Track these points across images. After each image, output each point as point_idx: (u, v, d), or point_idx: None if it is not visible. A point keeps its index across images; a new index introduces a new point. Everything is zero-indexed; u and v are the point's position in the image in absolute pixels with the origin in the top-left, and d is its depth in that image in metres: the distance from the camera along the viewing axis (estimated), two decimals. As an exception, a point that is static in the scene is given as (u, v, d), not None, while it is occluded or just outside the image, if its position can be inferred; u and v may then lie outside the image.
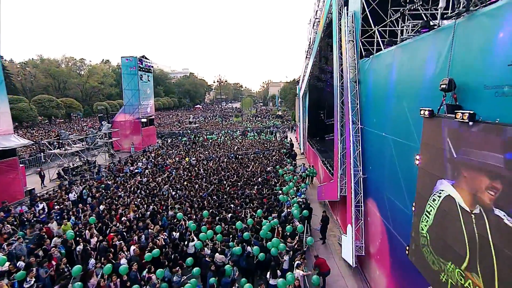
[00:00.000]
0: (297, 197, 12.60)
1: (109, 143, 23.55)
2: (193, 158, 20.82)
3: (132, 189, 13.57)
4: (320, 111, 25.00)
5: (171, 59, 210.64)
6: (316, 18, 18.93)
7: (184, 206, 11.84)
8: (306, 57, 23.00)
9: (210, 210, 11.21)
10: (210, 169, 17.99)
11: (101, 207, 11.22)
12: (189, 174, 16.85)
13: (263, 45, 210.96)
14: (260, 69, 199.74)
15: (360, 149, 9.59)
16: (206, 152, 23.41)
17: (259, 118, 50.68)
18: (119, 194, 12.85)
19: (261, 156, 21.48)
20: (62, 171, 17.29)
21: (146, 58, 27.18)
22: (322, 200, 15.41)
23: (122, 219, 10.20)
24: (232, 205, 11.98)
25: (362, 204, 9.29)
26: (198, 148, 25.32)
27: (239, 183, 14.93)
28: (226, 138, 30.58)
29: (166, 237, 8.86)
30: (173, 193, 13.73)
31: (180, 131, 35.67)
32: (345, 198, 11.26)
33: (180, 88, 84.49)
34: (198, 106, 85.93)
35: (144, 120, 28.06)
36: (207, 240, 8.83)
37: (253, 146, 25.90)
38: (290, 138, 31.60)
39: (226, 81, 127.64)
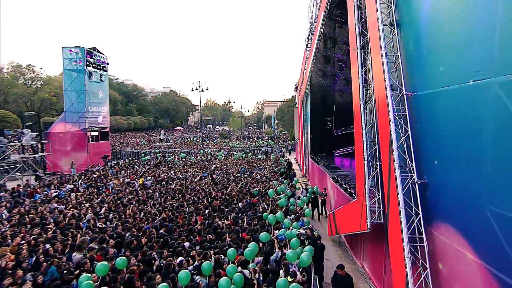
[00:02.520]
0: (298, 228, 8.73)
1: (40, 160, 19.58)
2: (149, 178, 17.06)
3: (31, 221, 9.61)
4: (327, 118, 21.95)
5: (151, 77, 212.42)
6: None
7: (106, 245, 7.89)
8: (307, 47, 20.45)
9: (148, 252, 7.30)
10: (170, 192, 14.27)
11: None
12: (135, 198, 13.01)
13: (257, 62, 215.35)
14: (254, 88, 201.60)
15: (410, 132, 6.10)
16: (172, 172, 19.72)
17: (251, 139, 47.83)
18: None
19: (246, 176, 17.91)
20: None
21: (99, 51, 24.26)
22: (335, 235, 11.55)
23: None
24: (187, 244, 8.08)
25: (425, 236, 5.56)
26: (163, 168, 21.63)
27: (209, 210, 11.11)
28: (204, 158, 27.07)
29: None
30: (99, 224, 9.83)
31: (147, 151, 32.09)
32: (381, 229, 7.60)
33: (157, 106, 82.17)
34: (179, 127, 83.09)
35: (95, 133, 24.44)
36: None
37: (238, 165, 22.45)
38: (288, 158, 28.26)
39: (214, 101, 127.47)
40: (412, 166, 5.95)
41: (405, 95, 6.34)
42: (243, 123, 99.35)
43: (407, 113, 6.25)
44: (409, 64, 6.43)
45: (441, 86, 5.25)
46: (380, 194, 7.92)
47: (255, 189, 14.08)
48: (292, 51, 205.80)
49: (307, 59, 21.25)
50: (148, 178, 17.08)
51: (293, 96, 71.09)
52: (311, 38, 19.55)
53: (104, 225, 9.88)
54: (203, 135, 56.14)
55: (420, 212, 5.67)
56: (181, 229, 9.27)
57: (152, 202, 12.51)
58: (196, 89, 36.20)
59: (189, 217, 10.53)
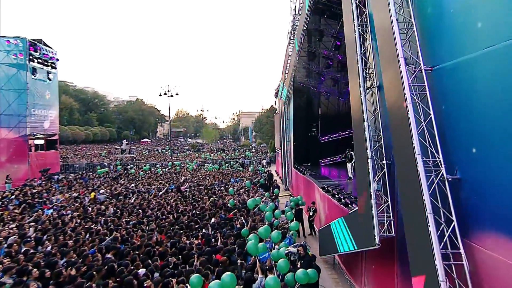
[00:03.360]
0: (287, 246, 7.41)
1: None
2: (102, 192, 15.16)
3: None
4: (312, 123, 21.28)
5: (116, 85, 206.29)
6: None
7: (26, 278, 6.15)
8: (289, 43, 19.76)
9: (84, 285, 5.67)
10: (128, 207, 12.55)
11: None
12: (82, 216, 11.21)
13: (233, 70, 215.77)
14: (230, 99, 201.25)
15: (433, 115, 5.09)
16: (132, 185, 17.89)
17: (226, 151, 46.52)
18: None
19: (221, 188, 16.51)
20: None
21: (46, 44, 22.18)
22: (329, 254, 10.34)
23: None
24: (142, 271, 6.52)
25: (463, 251, 4.44)
26: (122, 181, 19.70)
27: (174, 228, 9.58)
28: (172, 170, 25.34)
29: None
30: (25, 249, 7.99)
31: (105, 163, 29.74)
32: (390, 244, 6.54)
33: (121, 116, 78.92)
34: (145, 140, 79.98)
35: (39, 141, 22.04)
36: None
37: (212, 177, 21.02)
38: (269, 169, 27.15)
39: (187, 112, 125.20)
40: (439, 158, 4.90)
41: (423, 71, 5.37)
42: (218, 135, 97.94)
43: (427, 92, 5.26)
44: (428, 32, 5.52)
45: (479, 49, 4.29)
46: (389, 200, 6.85)
47: (230, 199, 12.70)
48: (271, 57, 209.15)
49: (289, 58, 20.53)
50: (102, 191, 15.16)
51: (272, 106, 71.60)
52: (294, 32, 18.88)
53: (32, 250, 8.04)
54: (173, 148, 54.04)
55: (454, 218, 4.58)
56: (137, 252, 7.66)
57: (103, 220, 10.75)
58: (165, 93, 34.51)
59: (149, 236, 8.93)
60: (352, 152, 14.88)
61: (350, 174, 15.00)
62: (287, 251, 6.87)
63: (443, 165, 4.85)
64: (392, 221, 6.70)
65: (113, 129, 71.04)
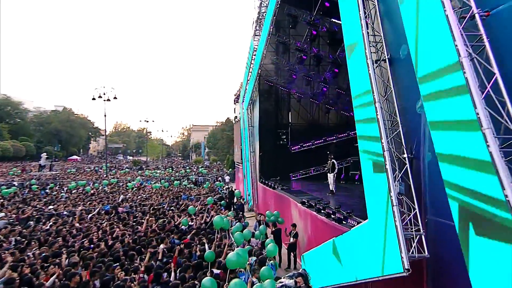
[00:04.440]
0: (272, 277, 5.74)
1: None
2: (2, 215, 12.34)
3: None
4: (281, 130, 20.49)
5: (39, 94, 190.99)
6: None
7: None
8: (255, 35, 18.69)
9: None
10: (40, 235, 10.05)
11: None
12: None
13: (183, 81, 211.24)
14: (178, 112, 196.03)
15: (498, 72, 3.95)
16: (51, 207, 15.13)
17: (175, 169, 44.09)
18: None
19: (171, 208, 14.62)
20: None
21: None
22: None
23: None
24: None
25: None
26: (35, 203, 16.74)
27: (106, 259, 7.47)
28: (107, 189, 22.62)
29: None
30: None
31: (15, 182, 25.84)
32: (419, 269, 5.26)
33: (42, 127, 72.07)
34: (75, 157, 73.64)
35: None
36: None
37: (160, 195, 19.17)
38: (230, 185, 25.68)
39: (126, 126, 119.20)
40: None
41: (478, 17, 4.26)
42: (165, 152, 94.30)
43: (486, 44, 4.13)
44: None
45: None
46: (416, 206, 5.59)
47: (183, 218, 10.89)
48: (227, 62, 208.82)
49: (254, 52, 19.42)
50: (1, 215, 12.30)
51: (227, 118, 70.45)
52: (260, 22, 17.88)
53: None
54: (110, 166, 49.96)
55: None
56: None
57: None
58: (100, 97, 31.37)
59: (69, 273, 6.72)
60: (334, 160, 13.92)
61: (332, 187, 13.97)
62: (280, 284, 5.23)
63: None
64: (423, 236, 5.42)
65: (31, 143, 64.18)
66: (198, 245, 8.80)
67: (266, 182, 18.54)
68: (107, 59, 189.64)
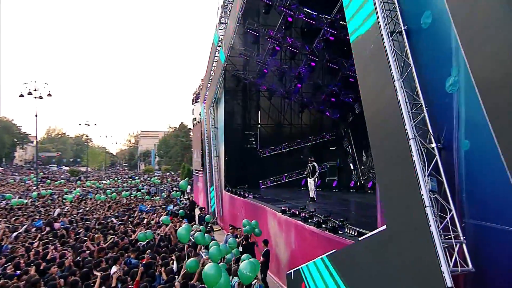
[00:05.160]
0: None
1: None
2: None
3: None
4: (249, 132, 19.98)
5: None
6: None
7: None
8: (220, 21, 17.83)
9: None
10: None
11: None
12: None
13: (130, 82, 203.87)
14: (124, 117, 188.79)
15: None
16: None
17: (122, 179, 42.13)
18: None
19: (122, 222, 13.48)
20: None
21: None
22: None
23: None
24: None
25: None
26: None
27: None
28: (37, 201, 20.61)
29: None
30: None
31: None
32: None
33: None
34: (-5, 168, 67.96)
35: None
36: None
37: (107, 208, 18.04)
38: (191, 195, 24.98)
39: (61, 131, 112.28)
40: None
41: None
42: (108, 161, 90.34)
43: None
44: None
45: None
46: (452, 207, 4.84)
47: (140, 233, 9.70)
48: (183, 60, 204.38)
49: (219, 43, 18.51)
50: None
51: (181, 123, 68.93)
52: (227, 8, 17.03)
53: None
54: (43, 176, 46.28)
55: None
56: None
57: None
58: (30, 93, 28.50)
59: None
60: (315, 163, 13.33)
61: (312, 194, 13.30)
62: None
63: None
64: (464, 245, 4.66)
65: None
66: (161, 265, 7.61)
67: (234, 190, 17.56)
68: (40, 54, 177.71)
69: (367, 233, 6.90)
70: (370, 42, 6.20)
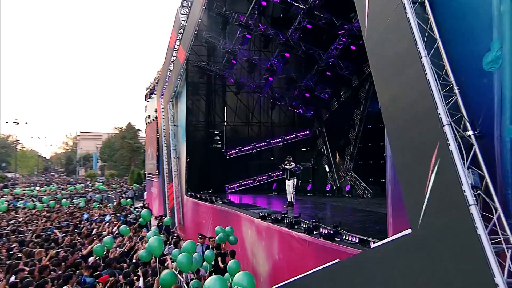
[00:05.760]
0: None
1: None
2: None
3: None
4: (213, 131, 19.60)
5: None
6: None
7: None
8: (182, 4, 16.99)
9: None
10: None
11: None
12: None
13: (67, 77, 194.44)
14: (62, 116, 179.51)
15: None
16: None
17: (60, 186, 39.93)
18: None
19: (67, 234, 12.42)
20: None
21: None
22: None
23: None
24: None
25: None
26: None
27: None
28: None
29: None
30: None
31: None
32: None
33: None
34: None
35: None
36: None
37: (45, 219, 16.94)
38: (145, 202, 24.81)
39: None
40: None
41: None
42: (41, 166, 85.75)
43: None
44: None
45: None
46: (498, 205, 4.37)
47: (96, 245, 9.00)
48: (132, 51, 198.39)
49: (181, 30, 17.61)
50: None
51: (129, 123, 66.58)
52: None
53: None
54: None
55: None
56: None
57: None
58: None
59: None
60: (293, 163, 12.88)
61: (290, 198, 12.82)
62: None
63: None
64: (514, 248, 4.20)
65: None
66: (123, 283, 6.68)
67: (197, 195, 16.69)
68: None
69: (371, 240, 6.43)
70: (387, 14, 5.70)
